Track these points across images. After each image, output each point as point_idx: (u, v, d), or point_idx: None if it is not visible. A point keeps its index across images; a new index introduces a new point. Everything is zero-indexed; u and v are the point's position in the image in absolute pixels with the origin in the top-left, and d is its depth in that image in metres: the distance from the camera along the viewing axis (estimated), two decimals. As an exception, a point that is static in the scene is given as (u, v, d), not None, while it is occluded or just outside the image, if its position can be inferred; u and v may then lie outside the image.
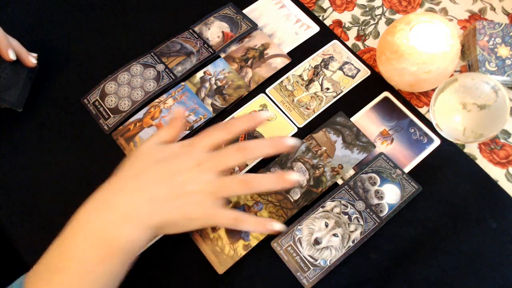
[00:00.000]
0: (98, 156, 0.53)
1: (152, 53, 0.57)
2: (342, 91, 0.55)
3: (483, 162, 0.50)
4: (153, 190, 0.40)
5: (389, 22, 0.59)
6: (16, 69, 0.54)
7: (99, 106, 0.55)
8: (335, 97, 0.54)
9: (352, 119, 0.53)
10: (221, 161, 0.41)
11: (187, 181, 0.40)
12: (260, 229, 0.42)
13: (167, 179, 0.40)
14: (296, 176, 0.41)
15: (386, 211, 0.48)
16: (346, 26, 0.59)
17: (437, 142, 0.51)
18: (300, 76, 0.56)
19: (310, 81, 0.55)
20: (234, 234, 0.47)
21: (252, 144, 0.42)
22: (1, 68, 0.52)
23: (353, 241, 0.46)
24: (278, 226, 0.41)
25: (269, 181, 0.41)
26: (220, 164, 0.41)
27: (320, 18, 0.60)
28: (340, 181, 0.50)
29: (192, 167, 0.40)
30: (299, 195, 0.49)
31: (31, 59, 0.54)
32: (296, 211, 0.48)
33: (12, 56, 0.52)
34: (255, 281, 0.46)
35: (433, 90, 0.52)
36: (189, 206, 0.40)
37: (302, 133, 0.53)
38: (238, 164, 0.41)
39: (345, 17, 0.60)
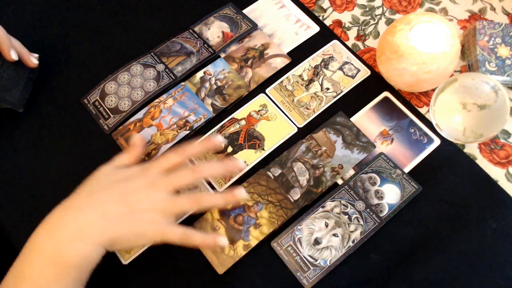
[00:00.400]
0: (98, 156, 0.52)
1: (152, 53, 0.57)
2: (342, 91, 0.55)
3: (483, 162, 0.50)
4: (106, 208, 0.41)
5: (389, 22, 0.59)
6: (17, 69, 0.54)
7: (99, 106, 0.55)
8: (335, 97, 0.54)
9: (352, 119, 0.53)
10: (173, 181, 0.43)
11: (139, 200, 0.41)
12: (207, 244, 0.44)
13: (120, 197, 0.41)
14: (243, 193, 0.43)
15: (386, 211, 0.48)
16: (346, 26, 0.59)
17: (437, 142, 0.51)
18: (300, 76, 0.56)
19: (310, 81, 0.55)
20: (234, 234, 0.47)
21: (203, 166, 0.45)
22: (3, 69, 0.52)
23: (353, 241, 0.46)
24: (222, 240, 0.43)
25: (217, 198, 0.44)
26: (171, 184, 0.43)
27: (320, 18, 0.60)
28: (340, 181, 0.50)
29: (146, 187, 0.42)
30: (299, 195, 0.49)
31: (33, 59, 0.54)
32: (296, 211, 0.48)
33: (14, 57, 0.52)
34: (255, 281, 0.46)
35: (433, 90, 0.52)
36: (140, 223, 0.41)
37: (302, 133, 0.53)
38: (188, 183, 0.44)
39: (345, 17, 0.60)
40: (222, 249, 0.46)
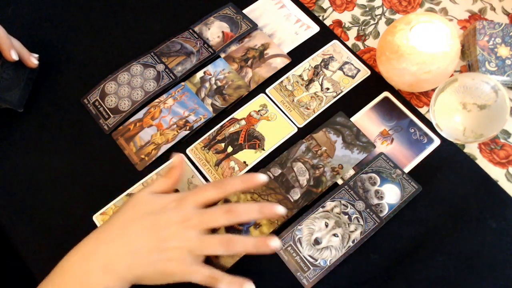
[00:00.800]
0: (98, 156, 0.53)
1: (152, 53, 0.57)
2: (342, 91, 0.55)
3: (483, 162, 0.50)
4: (136, 243, 0.41)
5: (389, 22, 0.59)
6: (17, 69, 0.54)
7: (99, 106, 0.55)
8: (335, 97, 0.54)
9: (352, 119, 0.53)
10: (207, 221, 0.42)
11: (170, 236, 0.41)
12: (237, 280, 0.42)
13: (151, 232, 0.41)
14: (277, 244, 0.41)
15: (386, 211, 0.48)
16: (346, 26, 0.59)
17: (437, 142, 0.51)
18: (300, 76, 0.56)
19: (310, 81, 0.55)
20: (234, 234, 0.47)
21: (241, 208, 0.42)
22: (3, 69, 0.53)
23: (353, 241, 0.46)
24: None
25: (249, 244, 0.42)
26: (205, 223, 0.42)
27: (320, 18, 0.60)
28: (340, 181, 0.50)
29: (178, 222, 0.41)
30: (299, 195, 0.49)
31: (33, 60, 0.54)
32: (296, 211, 0.48)
33: (14, 57, 0.52)
34: (255, 281, 0.46)
35: (433, 90, 0.52)
36: (168, 262, 0.41)
37: (302, 133, 0.53)
38: (222, 225, 0.43)
39: (345, 17, 0.60)
40: None
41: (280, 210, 0.42)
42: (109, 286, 0.40)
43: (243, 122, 0.53)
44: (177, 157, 0.46)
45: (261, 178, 0.44)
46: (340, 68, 0.56)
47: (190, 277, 0.41)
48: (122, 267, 0.40)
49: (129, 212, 0.43)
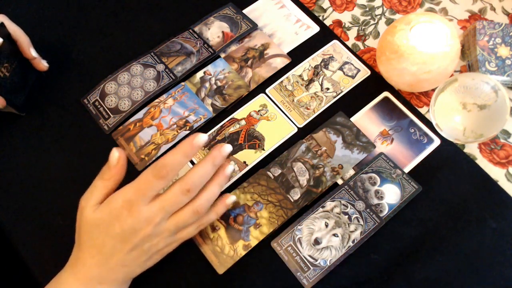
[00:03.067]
0: (98, 156, 0.52)
1: (152, 53, 0.57)
2: (342, 91, 0.55)
3: (483, 162, 0.50)
4: (122, 258, 0.41)
5: (389, 22, 0.59)
6: (26, 74, 0.54)
7: (99, 106, 0.55)
8: (335, 97, 0.54)
9: (352, 119, 0.53)
10: (170, 210, 0.41)
11: (146, 239, 0.41)
12: (220, 200, 0.45)
13: (127, 246, 0.40)
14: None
15: (386, 211, 0.48)
16: (346, 26, 0.59)
17: (437, 142, 0.51)
18: (300, 76, 0.56)
19: (310, 81, 0.55)
20: (234, 234, 0.47)
21: (196, 178, 0.41)
22: (15, 72, 0.52)
23: (353, 241, 0.46)
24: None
25: (212, 197, 0.43)
26: (169, 212, 0.41)
27: (320, 18, 0.60)
28: (340, 181, 0.50)
29: (144, 227, 0.40)
30: (299, 195, 0.49)
31: (44, 62, 0.55)
32: (296, 211, 0.48)
33: (34, 54, 0.53)
34: (255, 281, 0.46)
35: (433, 90, 0.52)
36: (159, 252, 0.43)
37: (302, 133, 0.53)
38: (184, 203, 0.42)
39: (345, 17, 0.60)
40: (222, 249, 0.46)
41: (227, 148, 0.42)
42: None
43: (243, 122, 0.53)
44: (114, 154, 0.41)
45: (201, 138, 0.40)
46: (340, 68, 0.56)
47: (184, 239, 0.44)
48: (120, 278, 0.42)
49: (93, 236, 0.41)
